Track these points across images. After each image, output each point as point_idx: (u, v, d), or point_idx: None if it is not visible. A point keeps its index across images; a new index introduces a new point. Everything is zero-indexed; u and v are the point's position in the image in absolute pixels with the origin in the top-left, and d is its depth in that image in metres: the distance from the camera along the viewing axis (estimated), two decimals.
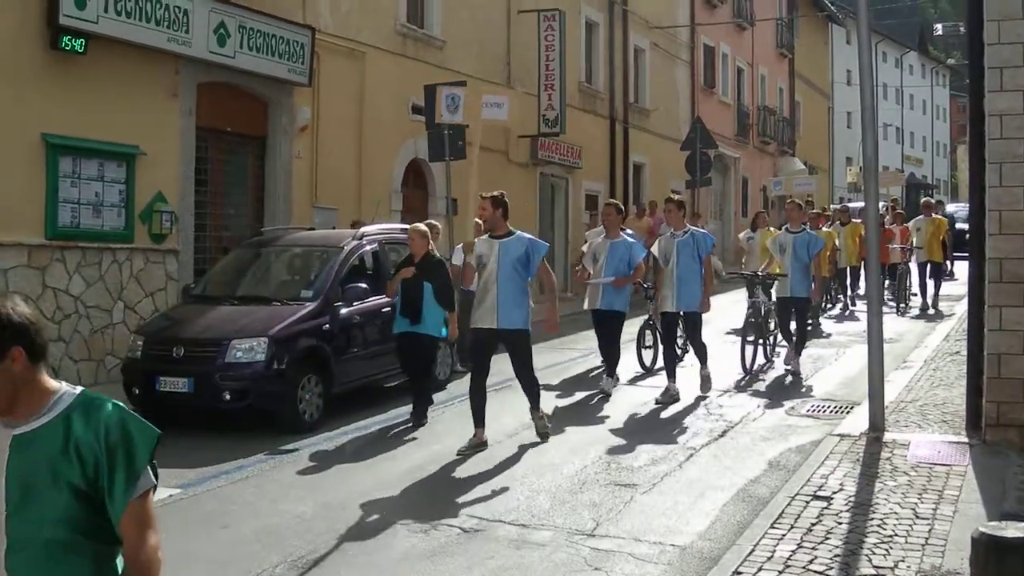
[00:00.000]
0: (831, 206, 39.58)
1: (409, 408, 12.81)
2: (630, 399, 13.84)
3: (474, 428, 11.26)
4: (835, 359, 17.12)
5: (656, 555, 7.71)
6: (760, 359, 16.11)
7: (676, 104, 38.27)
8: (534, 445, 11.36)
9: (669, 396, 13.59)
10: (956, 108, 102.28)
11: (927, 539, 7.41)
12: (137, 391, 12.58)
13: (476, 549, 7.96)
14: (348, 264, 13.72)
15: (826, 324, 21.77)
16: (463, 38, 24.91)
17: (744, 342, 15.70)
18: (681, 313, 14.07)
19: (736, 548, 7.38)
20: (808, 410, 12.96)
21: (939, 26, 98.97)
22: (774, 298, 16.52)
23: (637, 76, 35.25)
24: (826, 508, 8.22)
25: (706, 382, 14.08)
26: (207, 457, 10.97)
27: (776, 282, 16.28)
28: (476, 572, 7.44)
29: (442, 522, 8.61)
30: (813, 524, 7.81)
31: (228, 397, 12.12)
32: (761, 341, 16.19)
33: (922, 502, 8.34)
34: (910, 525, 7.74)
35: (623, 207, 15.16)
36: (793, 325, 16.14)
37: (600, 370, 15.61)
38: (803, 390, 14.43)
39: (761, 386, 14.79)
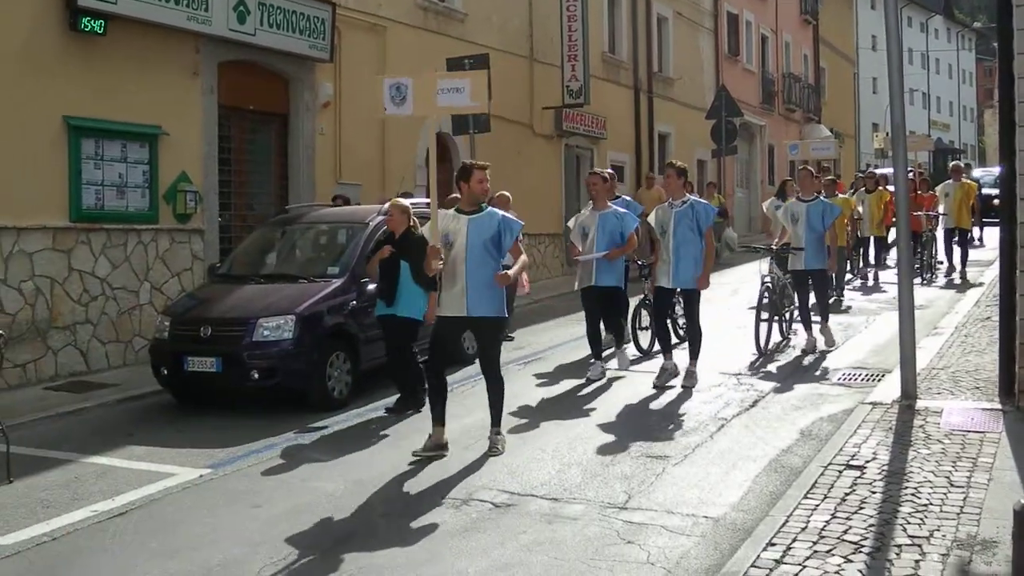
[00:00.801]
0: (858, 172, 39.38)
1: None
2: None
3: (432, 427, 10.07)
4: (865, 327, 17.00)
5: (689, 527, 7.66)
6: (776, 337, 15.42)
7: (700, 73, 38.05)
8: (562, 419, 11.31)
9: (667, 375, 12.85)
10: (982, 72, 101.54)
11: (962, 508, 7.33)
12: (165, 372, 12.60)
13: (508, 524, 7.92)
14: (374, 240, 13.66)
15: (849, 296, 20.78)
16: (484, 11, 24.80)
17: (758, 321, 14.79)
18: (678, 291, 13.26)
19: (769, 519, 7.32)
20: (839, 378, 12.88)
21: None
22: (784, 279, 15.62)
23: (661, 45, 35.06)
24: (859, 477, 8.15)
25: (690, 377, 12.77)
26: (236, 436, 10.97)
27: (790, 255, 15.36)
28: (508, 547, 7.40)
29: (473, 497, 8.58)
30: (847, 494, 7.74)
31: (256, 376, 12.10)
32: (776, 318, 15.42)
33: (956, 470, 8.26)
34: (945, 494, 7.66)
35: (608, 176, 14.03)
36: (812, 300, 15.33)
37: (588, 357, 14.11)
38: (829, 360, 14.31)
39: (789, 356, 14.67)
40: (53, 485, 9.44)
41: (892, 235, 24.33)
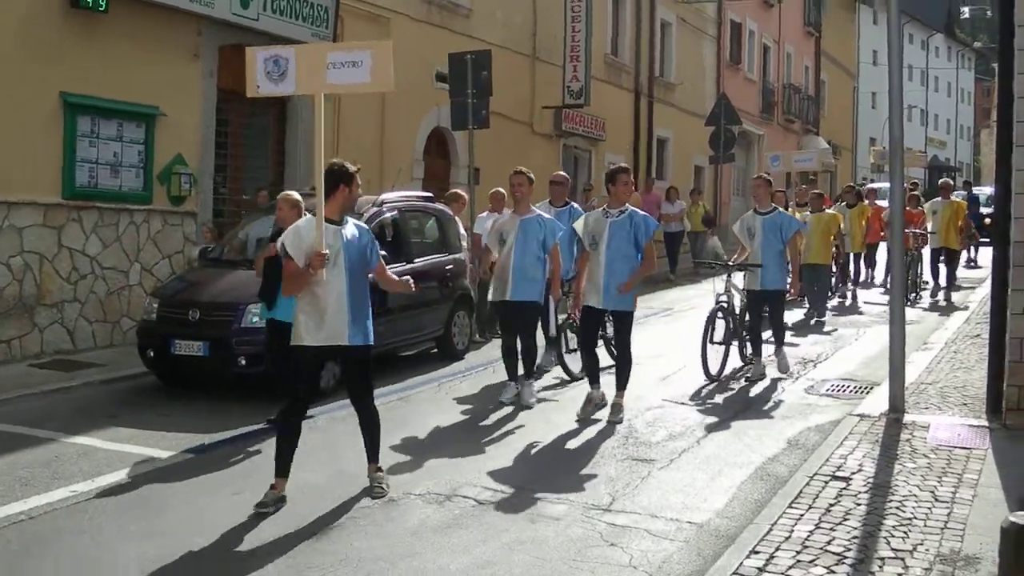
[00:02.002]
0: (862, 184, 39.34)
1: (427, 375, 12.75)
2: (655, 373, 13.69)
3: (275, 476, 8.40)
4: (855, 339, 16.99)
5: (673, 532, 7.63)
6: (735, 361, 14.05)
7: (701, 79, 38.06)
8: (549, 418, 11.28)
9: (592, 407, 11.36)
10: (981, 92, 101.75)
11: (946, 523, 7.31)
12: (152, 354, 12.56)
13: (491, 522, 7.88)
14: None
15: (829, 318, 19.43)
16: (489, 7, 24.77)
17: (706, 343, 13.25)
18: (608, 312, 11.56)
19: (753, 527, 7.29)
20: (828, 389, 12.85)
21: (966, 9, 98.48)
22: (743, 298, 14.20)
23: (663, 50, 35.07)
24: (845, 489, 8.12)
25: (616, 411, 11.17)
26: (221, 422, 10.93)
27: (747, 272, 13.90)
28: (490, 545, 7.36)
29: (457, 493, 8.54)
30: (831, 504, 7.72)
31: (243, 362, 12.06)
32: (736, 342, 14.05)
33: (941, 485, 8.24)
34: (929, 508, 7.64)
35: (532, 177, 12.22)
36: (763, 325, 13.87)
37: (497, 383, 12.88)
38: (818, 371, 14.29)
39: (739, 384, 14.65)
40: (34, 463, 9.38)
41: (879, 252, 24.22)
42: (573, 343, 13.19)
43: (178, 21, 16.14)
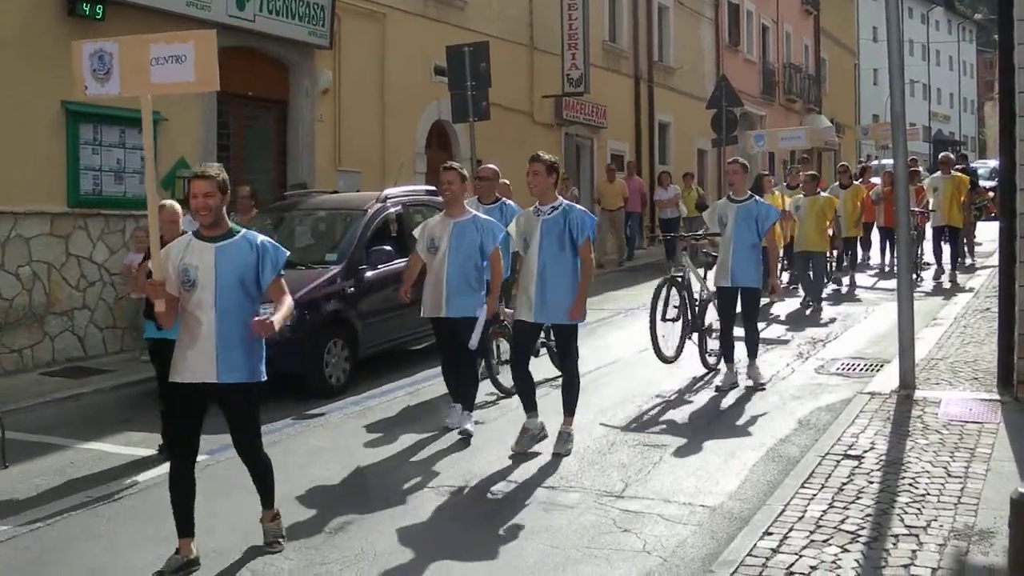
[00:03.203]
0: (862, 162, 39.19)
1: (436, 369, 12.71)
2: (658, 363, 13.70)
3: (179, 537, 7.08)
4: (864, 317, 16.98)
5: (686, 516, 7.64)
6: (698, 361, 12.84)
7: (701, 62, 37.98)
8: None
9: (528, 439, 9.59)
10: (983, 64, 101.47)
11: (959, 498, 7.33)
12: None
13: (504, 512, 7.90)
14: (372, 227, 13.61)
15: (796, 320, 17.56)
16: None
17: (655, 321, 12.42)
18: (545, 325, 10.18)
19: (766, 508, 7.30)
20: (838, 368, 12.85)
21: None
22: (704, 286, 13.23)
23: (661, 34, 34.99)
24: (857, 467, 8.14)
25: (564, 441, 9.51)
26: None
27: (716, 270, 12.52)
28: (504, 535, 7.38)
29: (470, 485, 8.57)
30: (844, 483, 7.73)
31: None
32: (693, 332, 12.94)
33: (954, 460, 8.25)
34: (942, 484, 7.65)
35: (465, 174, 10.68)
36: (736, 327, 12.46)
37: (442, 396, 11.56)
38: (827, 350, 14.28)
39: (790, 343, 14.63)
40: (48, 470, 9.42)
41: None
42: (506, 353, 11.57)
43: (174, 25, 16.03)
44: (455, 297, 10.17)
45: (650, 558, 6.84)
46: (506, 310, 10.99)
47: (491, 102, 20.04)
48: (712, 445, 9.59)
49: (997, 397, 10.39)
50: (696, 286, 13.15)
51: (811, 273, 18.19)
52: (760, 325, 13.35)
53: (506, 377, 11.01)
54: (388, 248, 13.34)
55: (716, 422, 10.45)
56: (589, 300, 9.89)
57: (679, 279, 12.80)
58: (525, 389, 9.74)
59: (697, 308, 13.02)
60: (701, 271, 13.39)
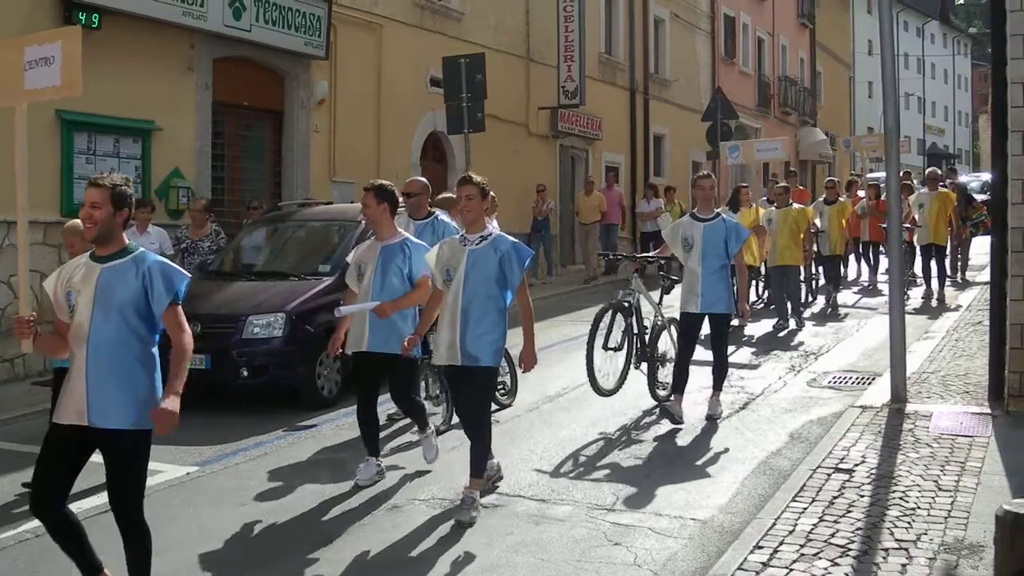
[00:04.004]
0: (853, 175, 39.16)
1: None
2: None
3: None
4: (856, 330, 16.99)
5: (677, 529, 7.65)
6: (614, 376, 11.55)
7: (696, 75, 38.03)
8: (551, 420, 11.29)
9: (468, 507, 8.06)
10: (978, 77, 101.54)
11: (950, 512, 7.33)
12: None
13: (495, 525, 7.90)
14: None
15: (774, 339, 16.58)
16: (481, 10, 24.78)
17: (592, 349, 11.14)
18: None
19: (757, 522, 7.31)
20: (830, 381, 12.86)
21: None
22: (659, 312, 11.97)
23: (657, 47, 35.04)
24: (848, 481, 8.15)
25: (466, 508, 8.05)
26: (225, 434, 10.94)
27: (683, 290, 11.34)
28: (495, 548, 7.38)
29: (460, 498, 8.56)
30: (835, 497, 7.74)
31: (246, 373, 12.07)
32: (640, 368, 11.79)
33: (944, 474, 8.26)
34: (932, 497, 7.66)
35: (389, 192, 9.22)
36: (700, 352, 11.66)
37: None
38: (819, 363, 14.29)
39: (782, 357, 14.64)
40: None
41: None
42: (435, 388, 10.98)
43: (171, 35, 16.17)
44: (378, 330, 8.93)
45: (641, 571, 6.85)
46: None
47: (487, 113, 20.09)
48: (703, 458, 9.61)
49: (988, 411, 10.40)
50: (648, 311, 12.05)
51: (786, 291, 17.41)
52: (730, 348, 13.32)
53: (438, 415, 10.65)
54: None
55: (707, 435, 10.46)
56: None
57: (625, 304, 11.55)
58: (477, 437, 8.38)
59: (648, 336, 11.83)
60: (656, 294, 12.14)
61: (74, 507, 6.72)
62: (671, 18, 35.70)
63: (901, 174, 18.89)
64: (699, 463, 9.46)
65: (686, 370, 11.15)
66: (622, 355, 11.63)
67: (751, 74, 43.64)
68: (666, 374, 11.77)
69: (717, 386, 11.37)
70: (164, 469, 9.71)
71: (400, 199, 10.11)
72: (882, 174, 21.95)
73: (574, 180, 29.51)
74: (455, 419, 9.79)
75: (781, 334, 16.77)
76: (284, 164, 19.18)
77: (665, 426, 10.81)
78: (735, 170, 37.80)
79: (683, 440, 10.24)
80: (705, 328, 11.32)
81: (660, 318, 11.92)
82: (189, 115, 16.73)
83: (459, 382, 8.49)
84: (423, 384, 10.80)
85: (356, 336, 9.10)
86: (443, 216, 11.36)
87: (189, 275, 6.25)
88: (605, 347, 11.36)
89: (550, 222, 25.68)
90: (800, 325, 17.19)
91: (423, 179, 11.82)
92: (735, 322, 14.34)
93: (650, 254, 11.91)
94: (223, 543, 7.66)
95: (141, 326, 5.98)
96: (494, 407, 10.37)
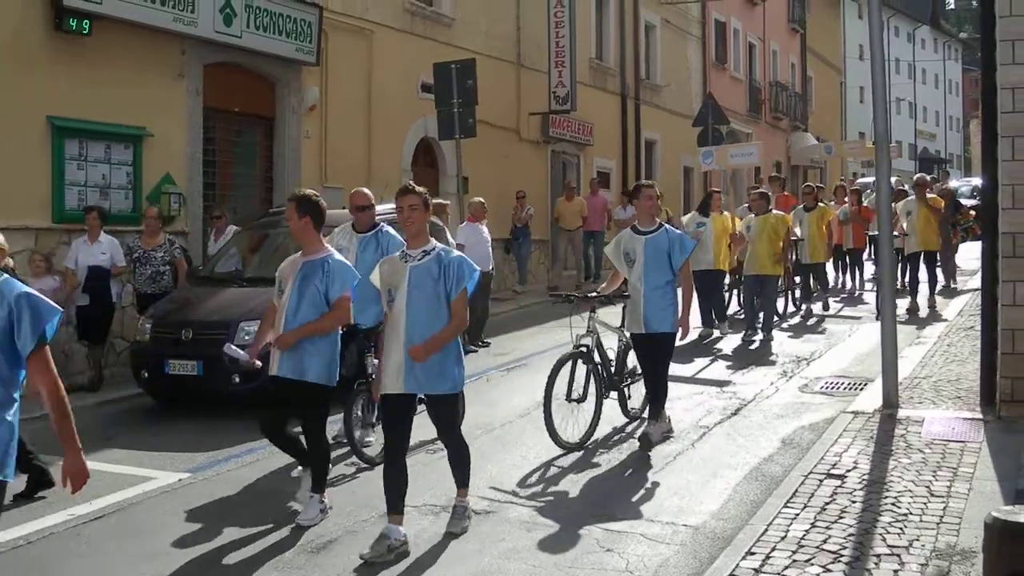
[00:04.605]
0: (851, 180, 39.16)
1: None
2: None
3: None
4: (848, 335, 16.99)
5: (669, 535, 7.65)
6: (581, 426, 10.37)
7: (688, 80, 38.06)
8: (543, 426, 11.27)
9: (386, 547, 7.39)
10: (969, 82, 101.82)
11: (942, 517, 7.34)
12: (146, 374, 12.56)
13: (487, 531, 7.90)
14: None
15: (779, 340, 16.63)
16: (472, 15, 24.77)
17: (550, 400, 10.04)
18: (422, 396, 7.98)
19: (749, 528, 7.31)
20: (822, 387, 12.86)
21: (951, 0, 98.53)
22: (622, 334, 11.22)
23: (648, 52, 35.06)
24: (840, 486, 8.15)
25: (460, 516, 8.01)
26: (216, 441, 10.93)
27: (626, 313, 10.79)
28: (487, 555, 7.38)
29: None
30: (827, 503, 7.74)
31: (237, 380, 12.04)
32: (609, 396, 10.90)
33: (936, 479, 8.27)
34: (924, 503, 7.66)
35: (315, 204, 8.35)
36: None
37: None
38: (812, 369, 14.29)
39: (774, 363, 14.64)
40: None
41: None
42: (373, 416, 10.10)
43: (162, 41, 16.15)
44: (292, 353, 8.18)
45: None
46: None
47: (478, 119, 20.14)
48: (695, 464, 9.61)
49: (980, 416, 10.41)
50: (612, 339, 11.31)
51: (761, 301, 16.87)
52: (704, 361, 13.54)
53: (376, 442, 9.94)
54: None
55: (699, 441, 10.45)
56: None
57: (584, 350, 10.47)
58: (393, 486, 7.68)
59: (614, 364, 11.10)
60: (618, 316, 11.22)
61: None
62: (662, 24, 35.74)
63: (894, 180, 18.40)
64: (691, 469, 9.45)
65: (654, 386, 10.53)
66: (589, 405, 10.48)
67: (742, 79, 43.71)
68: (639, 391, 11.19)
69: (653, 413, 10.44)
70: (156, 476, 9.72)
71: (341, 210, 9.74)
72: (870, 179, 21.82)
73: (563, 187, 29.56)
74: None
75: (753, 346, 16.23)
76: (275, 170, 19.16)
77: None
78: (724, 174, 37.90)
79: (675, 446, 10.24)
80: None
81: (624, 339, 11.18)
82: (180, 121, 16.71)
83: (406, 411, 7.83)
84: (357, 412, 9.99)
85: (273, 357, 8.31)
86: (389, 228, 10.75)
87: (61, 310, 5.25)
88: (568, 399, 10.25)
89: (530, 229, 25.07)
90: (770, 338, 16.49)
91: (369, 191, 11.15)
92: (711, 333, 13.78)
93: (600, 293, 10.92)
94: (215, 550, 7.65)
95: (3, 365, 4.98)
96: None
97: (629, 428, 11.02)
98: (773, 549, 6.78)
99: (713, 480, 9.07)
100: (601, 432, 10.75)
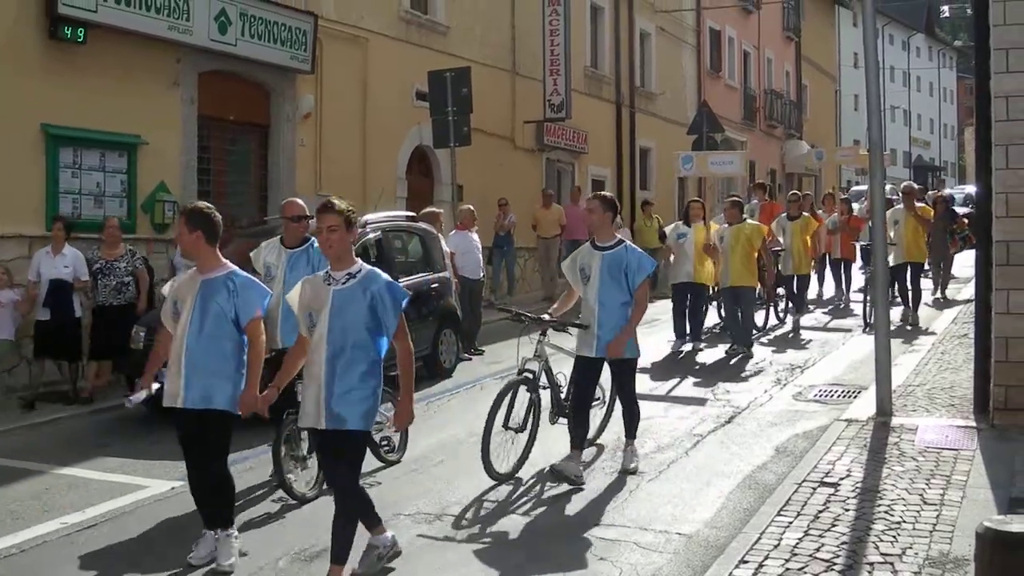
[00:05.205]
0: (841, 188, 39.17)
1: (415, 394, 12.62)
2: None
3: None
4: (842, 343, 17.00)
5: (662, 544, 7.65)
6: (513, 457, 9.62)
7: (682, 88, 38.10)
8: (540, 435, 11.25)
9: (376, 558, 7.23)
10: (963, 90, 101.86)
11: (935, 525, 7.34)
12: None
13: (481, 540, 7.91)
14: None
15: (761, 354, 16.06)
16: (467, 24, 24.81)
17: (490, 429, 9.21)
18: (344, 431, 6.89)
19: (742, 536, 7.31)
20: (815, 395, 12.86)
21: (946, 8, 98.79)
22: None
23: (643, 60, 35.10)
24: (833, 495, 8.15)
25: (371, 558, 7.23)
26: None
27: (578, 334, 9.84)
28: (480, 563, 7.38)
29: (447, 512, 8.55)
30: (820, 511, 7.74)
31: None
32: (531, 426, 9.84)
33: (930, 488, 8.27)
34: (918, 511, 7.67)
35: (210, 220, 7.53)
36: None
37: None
38: (805, 377, 14.29)
39: (768, 370, 14.65)
40: (24, 496, 9.39)
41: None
42: (305, 447, 9.23)
43: (157, 49, 16.16)
44: (194, 382, 7.42)
45: None
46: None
47: (472, 127, 20.17)
48: (689, 472, 9.60)
49: (973, 424, 10.42)
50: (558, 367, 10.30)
51: (739, 314, 16.22)
52: (663, 388, 13.36)
53: (302, 479, 9.23)
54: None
55: (693, 449, 10.45)
56: None
57: (530, 377, 9.66)
58: (342, 537, 6.88)
59: (564, 390, 10.12)
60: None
61: None
62: (657, 32, 35.78)
63: (888, 188, 18.07)
64: (685, 477, 9.45)
65: (585, 423, 9.75)
66: (524, 436, 9.71)
67: (737, 87, 43.76)
68: (593, 415, 10.21)
69: (630, 434, 9.92)
70: (148, 484, 9.71)
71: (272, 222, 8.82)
72: (864, 187, 21.68)
73: (560, 194, 29.56)
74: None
75: (733, 360, 15.66)
76: (270, 178, 19.16)
77: (650, 441, 10.77)
78: (720, 182, 37.90)
79: (668, 455, 10.23)
80: (606, 373, 9.95)
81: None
82: (175, 129, 16.72)
83: (324, 447, 7.22)
84: (285, 444, 9.12)
85: (172, 386, 7.55)
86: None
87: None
88: (506, 426, 9.42)
89: (512, 237, 24.12)
90: (750, 353, 15.92)
91: (301, 201, 10.41)
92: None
93: (553, 315, 9.98)
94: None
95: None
96: (378, 464, 9.79)
97: (585, 457, 9.88)
98: (766, 558, 6.78)
99: (706, 488, 9.07)
100: (600, 438, 10.75)
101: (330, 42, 19.98)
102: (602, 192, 10.15)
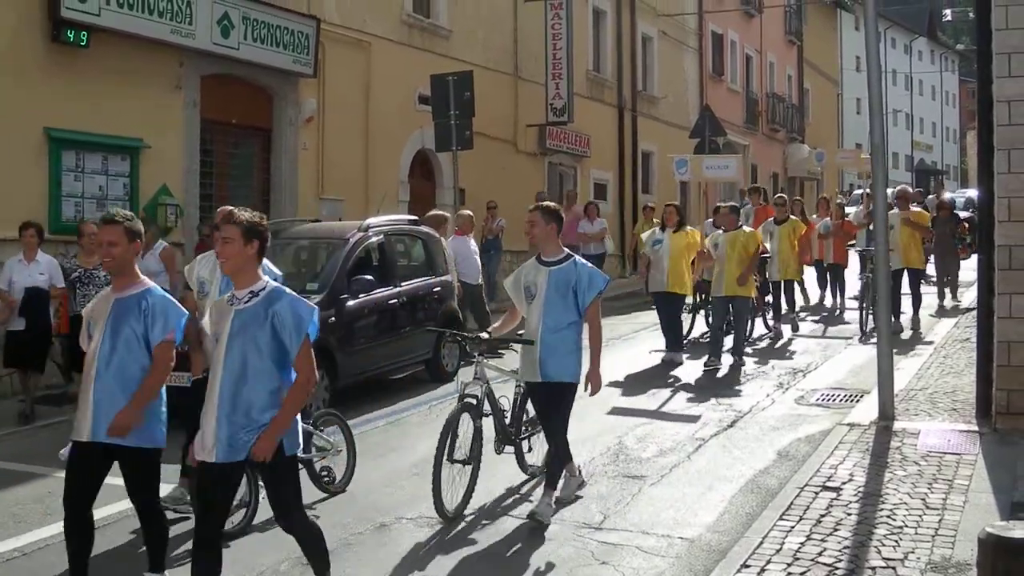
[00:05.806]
0: (847, 192, 39.09)
1: (417, 398, 12.69)
2: (639, 389, 13.70)
3: None
4: (844, 347, 16.98)
5: (664, 548, 7.64)
6: (460, 491, 8.68)
7: (685, 92, 38.13)
8: (540, 438, 11.27)
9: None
10: (965, 94, 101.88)
11: (937, 530, 7.33)
12: None
13: (483, 543, 7.91)
14: (354, 256, 13.60)
15: (751, 364, 15.51)
16: (469, 28, 24.84)
17: (440, 462, 8.37)
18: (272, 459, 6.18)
19: (744, 541, 7.31)
20: (818, 399, 12.84)
21: (948, 12, 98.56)
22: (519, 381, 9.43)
23: (645, 64, 35.14)
24: (835, 499, 8.15)
25: None
26: None
27: (522, 357, 9.00)
28: (482, 567, 7.39)
29: None
30: (822, 515, 7.73)
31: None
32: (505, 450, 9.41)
33: (932, 492, 8.26)
34: (920, 516, 7.66)
35: (134, 230, 6.82)
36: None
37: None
38: (808, 381, 14.28)
39: (770, 374, 14.63)
40: (26, 499, 9.38)
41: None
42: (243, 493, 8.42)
43: (159, 53, 16.19)
44: (104, 411, 6.66)
45: None
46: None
47: (475, 131, 20.15)
48: (691, 476, 9.60)
49: (976, 428, 10.41)
50: (509, 386, 9.85)
51: (733, 323, 15.71)
52: (666, 392, 13.16)
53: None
54: (369, 278, 13.34)
55: (695, 453, 10.44)
56: None
57: (473, 402, 8.88)
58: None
59: (509, 414, 9.42)
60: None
61: None
62: (659, 36, 35.80)
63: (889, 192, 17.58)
64: (687, 481, 9.44)
65: (559, 454, 8.74)
66: (467, 472, 8.77)
67: (739, 91, 43.79)
68: (539, 441, 9.67)
69: (551, 481, 8.61)
70: None
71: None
72: (864, 191, 21.43)
73: (562, 198, 29.52)
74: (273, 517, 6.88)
75: (719, 373, 14.95)
76: (272, 182, 19.19)
77: (652, 445, 10.78)
78: (722, 186, 37.85)
79: (670, 459, 10.23)
80: None
81: (520, 386, 9.46)
82: (177, 133, 16.75)
83: (228, 482, 6.44)
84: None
85: (81, 418, 6.86)
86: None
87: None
88: (451, 459, 8.54)
89: (500, 241, 23.58)
90: (741, 363, 15.27)
91: (232, 209, 9.50)
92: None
93: (492, 334, 9.43)
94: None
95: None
96: (320, 495, 9.12)
97: (525, 489, 9.46)
98: (768, 562, 6.78)
99: (709, 493, 9.06)
100: (596, 447, 10.75)
101: (332, 46, 20.00)
102: (544, 202, 9.23)
